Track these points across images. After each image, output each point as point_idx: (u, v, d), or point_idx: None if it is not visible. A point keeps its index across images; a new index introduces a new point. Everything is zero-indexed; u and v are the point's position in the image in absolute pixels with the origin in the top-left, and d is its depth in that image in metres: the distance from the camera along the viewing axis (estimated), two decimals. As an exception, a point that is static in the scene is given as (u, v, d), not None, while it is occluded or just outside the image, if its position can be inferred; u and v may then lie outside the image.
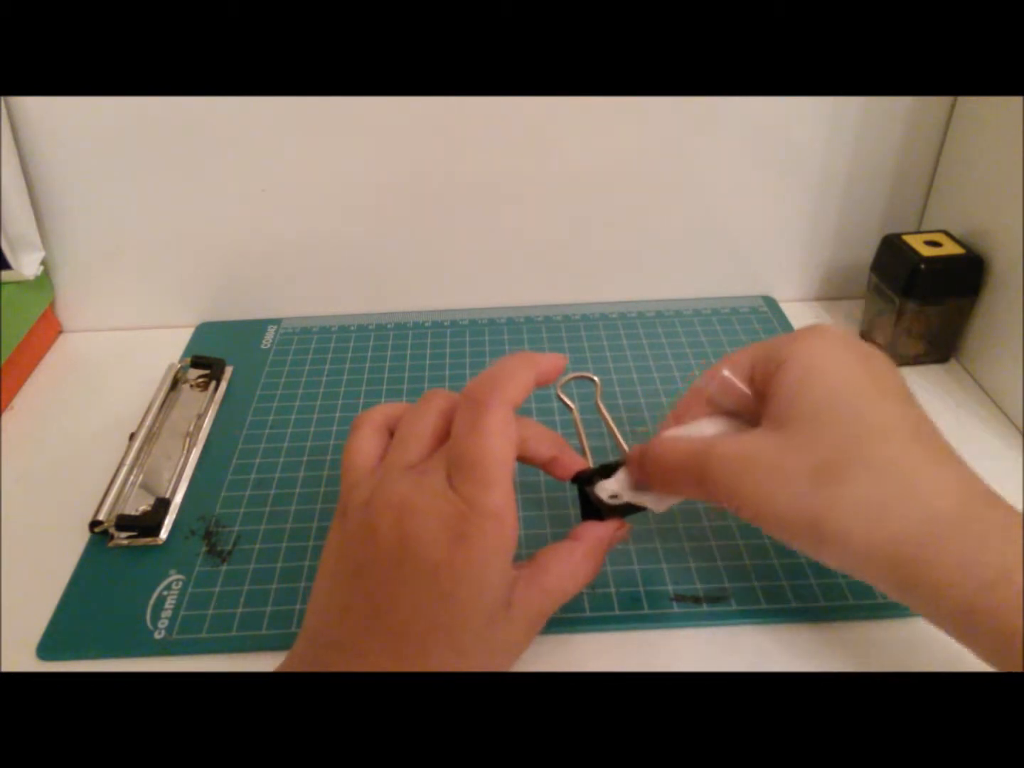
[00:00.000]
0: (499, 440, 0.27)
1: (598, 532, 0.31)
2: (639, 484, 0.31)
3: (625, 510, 0.32)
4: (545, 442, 0.32)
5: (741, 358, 0.31)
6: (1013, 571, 0.23)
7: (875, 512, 0.25)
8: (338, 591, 0.28)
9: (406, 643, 0.26)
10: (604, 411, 0.35)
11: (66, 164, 0.48)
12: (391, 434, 0.31)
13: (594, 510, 0.32)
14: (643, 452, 0.31)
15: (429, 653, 0.26)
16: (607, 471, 0.32)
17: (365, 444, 0.31)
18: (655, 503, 0.31)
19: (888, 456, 0.26)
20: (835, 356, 0.28)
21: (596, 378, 0.37)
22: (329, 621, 0.27)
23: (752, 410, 0.30)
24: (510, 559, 0.27)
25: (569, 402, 0.35)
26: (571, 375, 0.37)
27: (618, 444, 0.34)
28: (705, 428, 0.31)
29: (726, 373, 0.31)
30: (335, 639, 0.27)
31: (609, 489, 0.31)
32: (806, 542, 0.27)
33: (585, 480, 0.32)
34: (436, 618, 0.26)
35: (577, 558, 0.30)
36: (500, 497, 0.26)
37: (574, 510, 0.38)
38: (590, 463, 0.33)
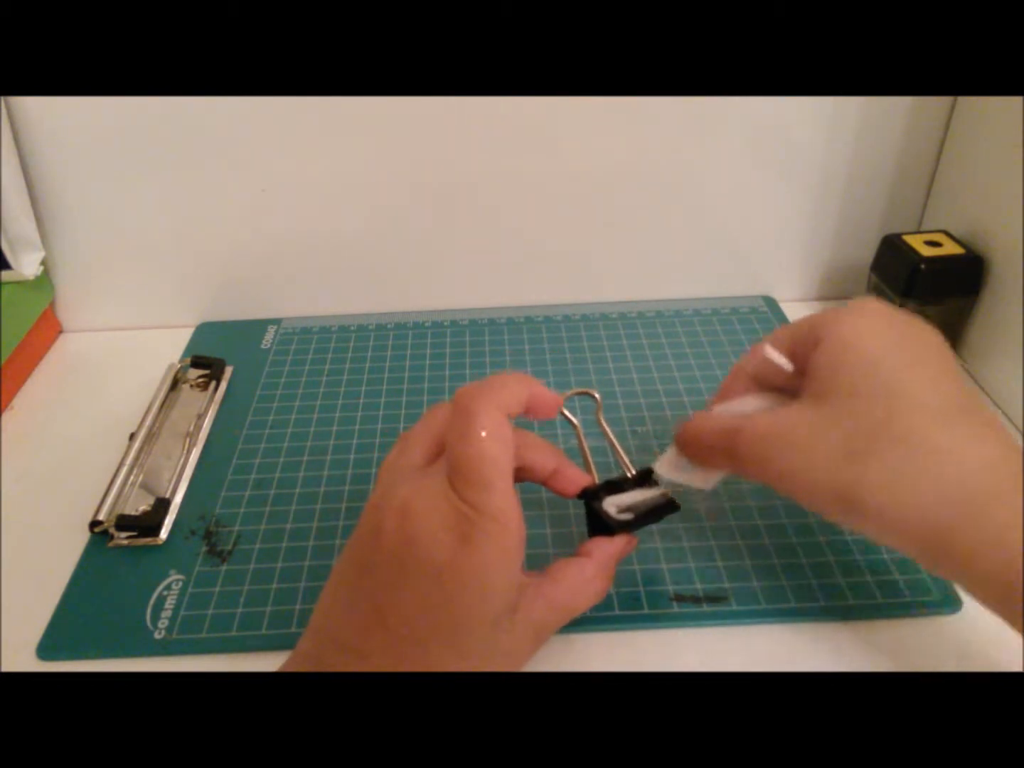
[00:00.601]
0: (491, 443, 0.26)
1: (609, 549, 0.31)
2: (683, 463, 0.32)
3: (635, 524, 0.31)
4: (545, 453, 0.32)
5: (784, 334, 0.32)
6: None
7: (906, 486, 0.25)
8: (343, 590, 0.28)
9: (408, 644, 0.26)
10: (606, 427, 0.35)
11: (66, 164, 0.48)
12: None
13: (603, 526, 0.31)
14: (684, 427, 0.31)
15: (430, 655, 0.26)
16: (612, 487, 0.32)
17: (392, 454, 0.31)
18: (702, 481, 0.32)
19: (921, 430, 0.26)
20: (874, 331, 0.28)
21: (597, 394, 0.36)
22: (333, 619, 0.28)
23: (796, 386, 0.31)
24: (516, 563, 0.27)
25: (572, 418, 0.34)
26: (572, 391, 0.37)
27: (620, 460, 0.33)
28: (748, 404, 0.32)
29: (768, 350, 0.31)
30: (338, 638, 0.27)
31: (621, 502, 0.31)
32: (838, 513, 0.27)
33: (592, 496, 0.32)
34: (438, 620, 0.26)
35: (588, 575, 0.30)
36: (499, 498, 0.26)
37: (574, 510, 0.38)
38: (595, 479, 0.32)
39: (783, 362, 0.31)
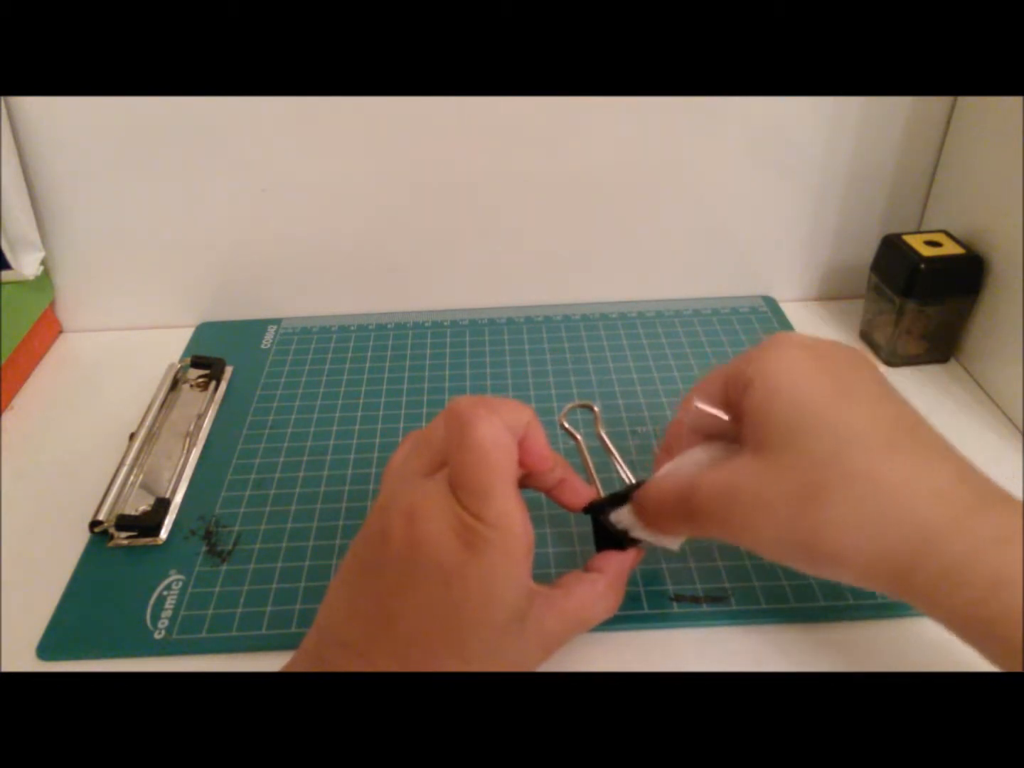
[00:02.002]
0: (490, 450, 0.26)
1: (620, 563, 0.31)
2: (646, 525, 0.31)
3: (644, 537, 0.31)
4: (553, 462, 0.31)
5: (712, 382, 0.31)
6: (1006, 584, 0.23)
7: (864, 529, 0.25)
8: (349, 591, 0.28)
9: (412, 649, 0.26)
10: (606, 439, 0.34)
11: (66, 164, 0.48)
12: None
13: (612, 540, 0.31)
14: (638, 497, 0.31)
15: (435, 661, 0.26)
16: (617, 500, 0.32)
17: (400, 455, 0.30)
18: (669, 540, 0.31)
19: (868, 468, 0.25)
20: (797, 368, 0.27)
21: (596, 407, 0.35)
22: (339, 620, 0.27)
23: (738, 431, 0.30)
24: (523, 570, 0.27)
25: (574, 431, 0.34)
26: (572, 404, 0.36)
27: (623, 473, 0.33)
28: (696, 456, 0.31)
29: (698, 404, 0.30)
30: (343, 639, 0.27)
31: (624, 524, 0.31)
32: (803, 564, 0.27)
33: (599, 510, 0.32)
34: (444, 626, 0.26)
35: (600, 589, 0.30)
36: (501, 506, 0.25)
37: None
38: (600, 492, 0.32)
39: (717, 412, 0.30)
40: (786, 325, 0.53)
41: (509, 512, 0.26)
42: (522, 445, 0.28)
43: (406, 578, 0.26)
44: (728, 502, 0.27)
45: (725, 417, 0.30)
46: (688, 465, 0.30)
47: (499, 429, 0.26)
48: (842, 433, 0.26)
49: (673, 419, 0.32)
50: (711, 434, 0.31)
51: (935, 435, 0.27)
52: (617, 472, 0.34)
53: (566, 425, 0.34)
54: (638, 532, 0.31)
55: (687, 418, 0.31)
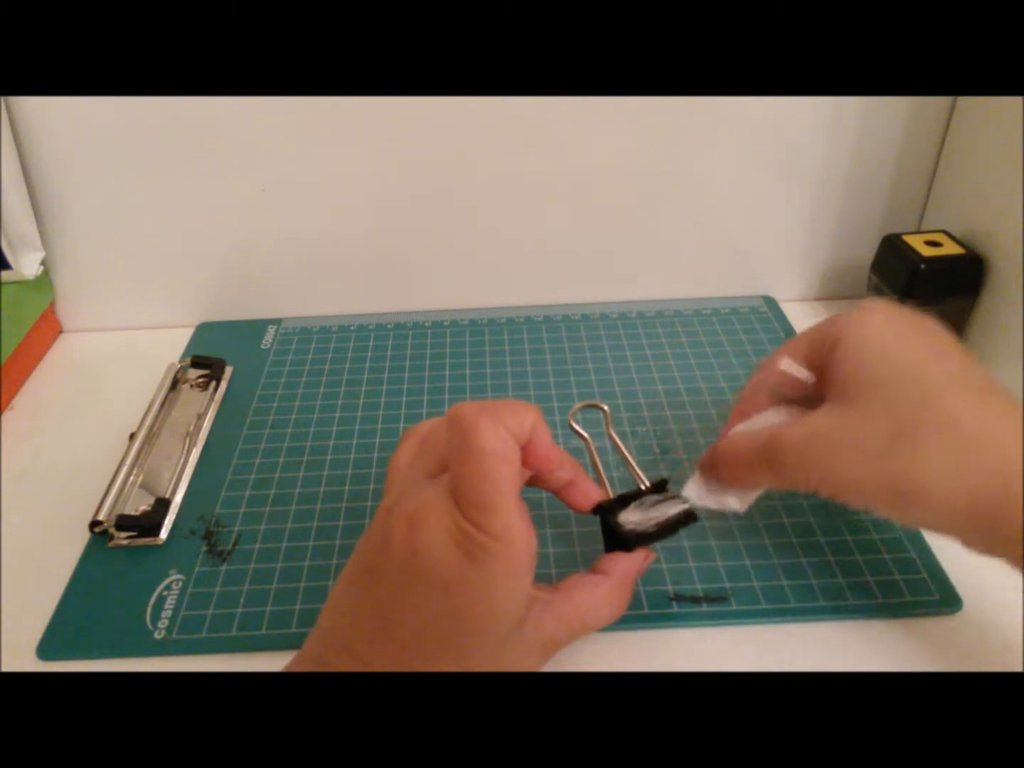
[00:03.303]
0: (492, 462, 0.25)
1: (627, 566, 0.31)
2: (714, 487, 0.32)
3: (653, 538, 0.31)
4: (561, 464, 0.30)
5: (797, 345, 0.32)
6: None
7: (950, 468, 0.26)
8: (351, 593, 0.27)
9: (413, 656, 0.26)
10: (616, 439, 0.34)
11: (66, 164, 0.48)
12: None
13: (620, 541, 0.31)
14: (713, 453, 0.31)
15: (435, 668, 0.26)
16: (627, 500, 0.31)
17: (405, 454, 0.30)
18: (737, 503, 0.32)
19: (955, 413, 0.27)
20: (890, 327, 0.29)
21: (606, 407, 0.35)
22: (340, 623, 0.27)
23: (813, 394, 0.31)
24: (525, 580, 0.26)
25: (582, 431, 0.33)
26: (581, 404, 0.35)
27: (633, 473, 0.33)
28: (770, 419, 0.32)
29: (785, 363, 0.32)
30: (344, 643, 0.27)
31: (688, 494, 0.31)
32: (887, 505, 0.28)
33: (607, 510, 0.31)
34: (445, 634, 0.25)
35: (603, 593, 0.30)
36: (503, 518, 0.25)
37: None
38: (609, 493, 0.32)
39: (803, 373, 0.31)
40: (786, 325, 0.53)
41: (511, 524, 0.25)
42: (527, 448, 0.28)
43: (406, 585, 0.26)
44: (815, 444, 0.28)
45: (811, 377, 0.31)
46: (762, 424, 0.31)
47: (502, 439, 0.26)
48: (933, 383, 0.27)
49: (749, 382, 0.33)
50: (786, 399, 0.32)
51: (1009, 395, 0.28)
52: (629, 472, 0.33)
53: (575, 425, 0.33)
54: (703, 499, 0.31)
55: (769, 380, 0.32)
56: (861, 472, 0.27)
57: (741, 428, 0.32)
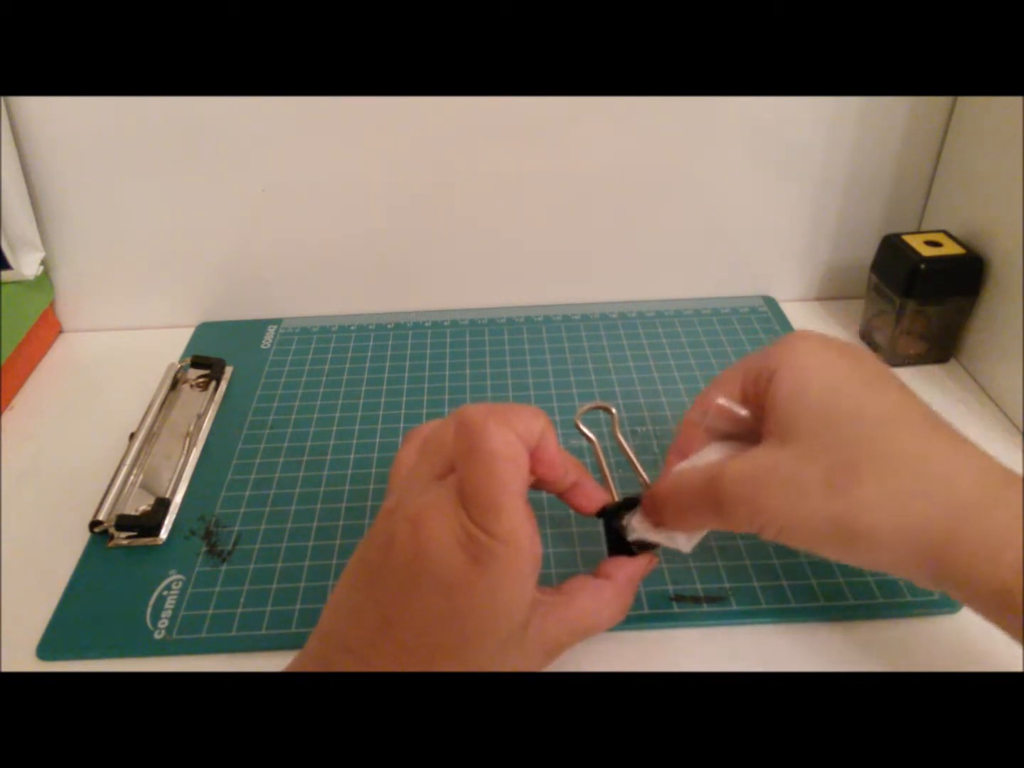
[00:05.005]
0: (502, 464, 0.25)
1: (630, 571, 0.30)
2: (658, 526, 0.31)
3: (656, 544, 0.31)
4: (566, 466, 0.30)
5: (730, 379, 0.31)
6: None
7: (899, 502, 0.25)
8: (353, 594, 0.27)
9: (414, 658, 0.26)
10: (623, 441, 0.33)
11: (66, 164, 0.48)
12: None
13: (623, 546, 0.31)
14: (654, 495, 0.30)
15: (437, 669, 0.25)
16: (630, 504, 0.31)
17: (409, 455, 0.30)
18: (684, 541, 0.31)
19: (900, 447, 0.26)
20: (822, 358, 0.29)
21: (613, 409, 0.34)
22: (341, 623, 0.27)
23: (752, 428, 0.30)
24: (529, 584, 0.26)
25: (589, 433, 0.33)
26: (589, 405, 0.35)
27: (638, 476, 0.33)
28: (711, 455, 0.31)
29: (722, 401, 0.31)
30: (346, 644, 0.26)
31: (633, 527, 0.31)
32: (836, 546, 0.27)
33: (612, 515, 0.31)
34: (446, 637, 0.25)
35: (605, 597, 0.29)
36: (510, 521, 0.25)
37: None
38: (615, 496, 0.32)
39: (739, 409, 0.30)
40: (786, 325, 0.53)
41: (517, 527, 0.25)
42: (535, 454, 0.27)
43: (409, 586, 0.26)
44: (757, 485, 0.27)
45: (746, 413, 0.30)
46: (704, 461, 0.30)
47: (511, 442, 0.26)
48: (873, 417, 0.27)
49: (685, 419, 0.32)
50: (724, 435, 0.31)
51: (952, 426, 0.28)
52: (635, 475, 0.33)
53: (582, 427, 0.33)
54: (649, 534, 0.31)
55: (706, 418, 0.31)
56: (806, 512, 0.26)
57: (680, 468, 0.31)
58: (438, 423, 0.31)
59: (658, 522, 0.31)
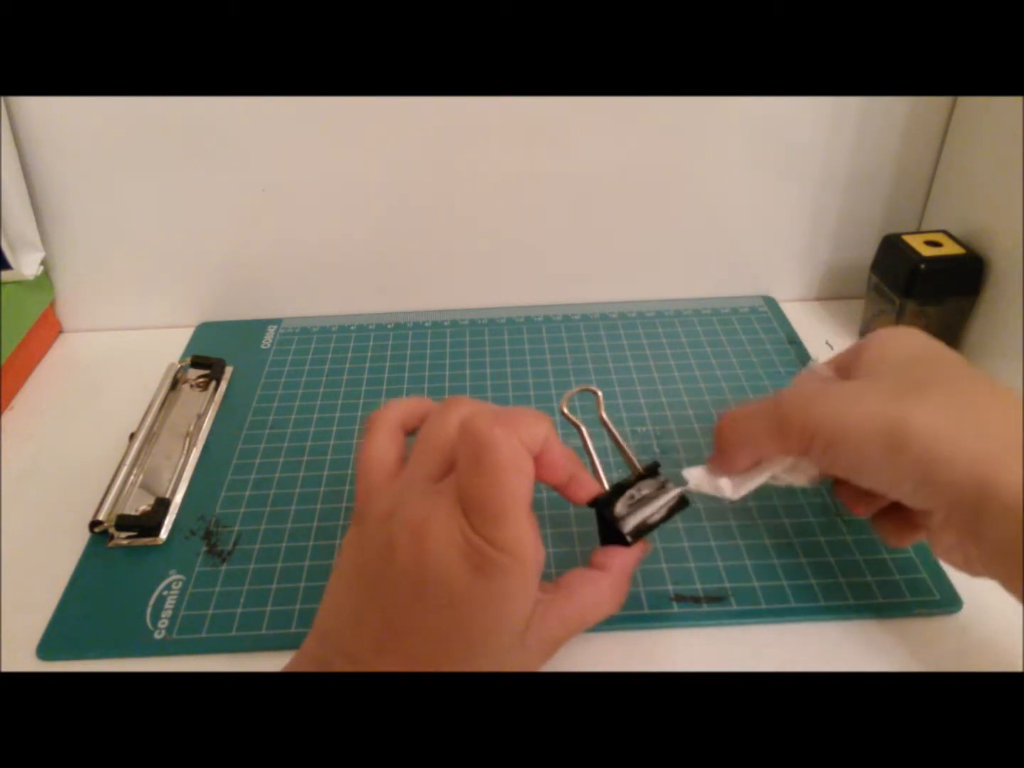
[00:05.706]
0: (508, 476, 0.25)
1: (625, 560, 0.30)
2: (718, 469, 0.32)
3: (649, 529, 0.31)
4: (565, 463, 0.30)
5: (822, 367, 0.34)
6: None
7: (954, 422, 0.26)
8: (353, 600, 0.27)
9: (420, 666, 0.26)
10: (609, 423, 0.33)
11: (66, 164, 0.48)
12: (407, 433, 0.30)
13: (617, 536, 0.31)
14: (718, 424, 0.31)
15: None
16: (621, 489, 0.31)
17: (381, 446, 0.30)
18: (732, 489, 0.32)
19: (965, 381, 0.28)
20: (903, 332, 0.32)
21: (598, 390, 0.34)
22: (342, 628, 0.27)
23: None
24: (532, 592, 0.26)
25: (575, 419, 0.33)
26: (575, 389, 0.35)
27: (627, 458, 0.32)
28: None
29: (811, 365, 0.34)
30: (348, 649, 0.26)
31: (695, 481, 0.32)
32: (883, 453, 0.27)
33: (603, 504, 0.31)
34: (451, 645, 0.25)
35: (604, 589, 0.29)
36: (515, 532, 0.25)
37: (575, 508, 0.38)
38: (604, 484, 0.31)
39: (827, 372, 0.33)
40: (786, 325, 0.53)
41: (522, 537, 0.25)
42: (538, 459, 0.27)
43: (413, 596, 0.25)
44: (816, 394, 0.29)
45: (831, 375, 0.33)
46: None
47: (518, 452, 0.25)
48: (946, 362, 0.30)
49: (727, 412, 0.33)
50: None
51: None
52: (622, 457, 0.33)
53: (568, 414, 0.33)
54: (706, 485, 0.32)
55: (809, 376, 0.34)
56: (859, 414, 0.27)
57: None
58: (406, 405, 0.31)
59: (718, 448, 0.32)
